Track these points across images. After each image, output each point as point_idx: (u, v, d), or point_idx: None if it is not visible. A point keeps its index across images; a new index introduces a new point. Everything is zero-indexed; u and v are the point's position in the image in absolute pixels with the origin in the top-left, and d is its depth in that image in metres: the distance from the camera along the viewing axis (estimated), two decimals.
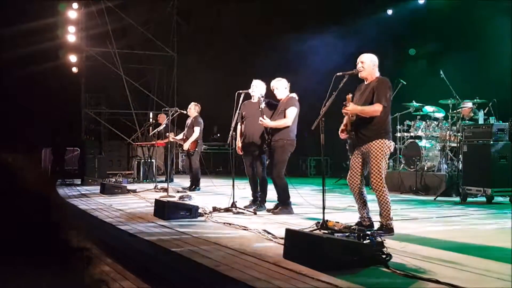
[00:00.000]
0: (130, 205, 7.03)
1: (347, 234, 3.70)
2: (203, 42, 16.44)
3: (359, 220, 4.79)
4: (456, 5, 11.13)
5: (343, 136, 4.79)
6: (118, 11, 15.08)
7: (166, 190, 8.34)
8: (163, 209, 5.53)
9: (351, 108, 4.50)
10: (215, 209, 5.97)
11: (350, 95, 4.43)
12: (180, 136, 9.74)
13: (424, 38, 12.11)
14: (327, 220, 4.27)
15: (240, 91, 6.32)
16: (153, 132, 11.18)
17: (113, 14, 14.98)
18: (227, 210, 6.01)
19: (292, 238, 3.53)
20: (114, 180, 10.69)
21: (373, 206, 4.74)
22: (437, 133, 9.08)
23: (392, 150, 4.68)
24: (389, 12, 13.11)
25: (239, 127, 6.53)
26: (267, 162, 6.36)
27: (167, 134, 9.54)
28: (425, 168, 8.96)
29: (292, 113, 5.91)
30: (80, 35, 15.34)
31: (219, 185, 10.45)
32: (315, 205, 6.30)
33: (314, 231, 4.15)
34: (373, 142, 4.53)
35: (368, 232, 3.71)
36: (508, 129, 7.34)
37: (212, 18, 15.96)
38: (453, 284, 2.74)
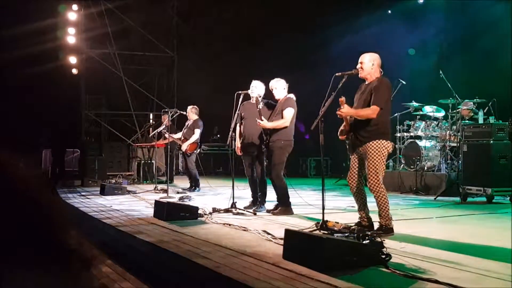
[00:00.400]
0: (130, 206, 7.03)
1: (346, 234, 3.70)
2: (203, 43, 16.45)
3: (359, 220, 4.79)
4: (455, 4, 11.13)
5: (342, 138, 4.80)
6: (118, 12, 15.09)
7: (166, 191, 8.34)
8: (163, 210, 5.53)
9: (345, 111, 4.50)
10: (215, 210, 5.97)
11: (343, 98, 4.42)
12: (178, 135, 9.74)
13: (423, 38, 12.11)
14: (326, 221, 4.27)
15: (240, 92, 6.33)
16: (152, 133, 11.18)
17: (113, 15, 14.98)
18: (227, 211, 6.01)
19: (292, 238, 3.53)
20: (114, 181, 10.69)
21: (373, 207, 4.74)
22: (437, 133, 9.08)
23: (390, 150, 4.67)
24: (389, 11, 13.10)
25: (238, 127, 6.54)
26: (266, 163, 6.36)
27: (163, 131, 9.57)
28: (425, 168, 8.96)
29: (289, 113, 5.93)
30: (80, 36, 15.34)
31: (219, 186, 10.45)
32: (314, 206, 6.31)
33: (314, 232, 4.15)
34: (370, 143, 4.53)
35: (368, 233, 3.71)
36: (508, 128, 7.33)
37: (211, 19, 15.96)
38: (452, 284, 2.74)
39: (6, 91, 14.68)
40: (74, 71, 16.26)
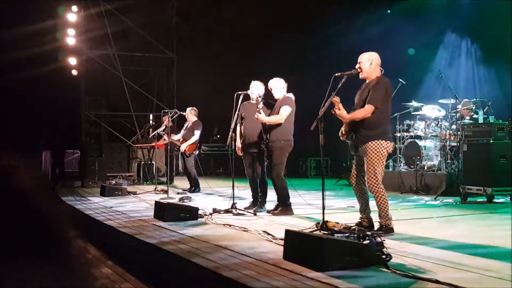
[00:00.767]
0: (130, 207, 7.04)
1: (347, 234, 3.69)
2: (203, 43, 16.45)
3: (359, 220, 4.79)
4: (455, 3, 11.14)
5: (343, 138, 4.80)
6: (118, 13, 15.09)
7: (166, 192, 8.34)
8: (163, 211, 5.53)
9: (340, 113, 4.50)
10: (215, 211, 5.97)
11: (335, 98, 4.41)
12: (178, 137, 9.74)
13: (423, 37, 12.11)
14: (327, 221, 4.26)
15: (239, 92, 6.34)
16: (152, 134, 11.18)
17: (112, 16, 14.98)
18: (227, 211, 6.01)
19: (292, 239, 3.53)
20: (114, 182, 10.70)
21: (374, 206, 4.73)
22: (437, 133, 9.08)
23: (390, 150, 4.66)
24: (388, 11, 13.11)
25: (238, 128, 6.54)
26: (266, 163, 6.36)
27: (162, 133, 9.57)
28: (425, 168, 8.96)
29: (285, 111, 5.94)
30: (79, 37, 15.34)
31: (219, 187, 10.45)
32: (315, 206, 6.30)
33: (314, 232, 4.15)
34: (369, 143, 4.52)
35: (368, 233, 3.70)
36: (508, 128, 7.33)
37: (211, 19, 15.97)
38: (453, 284, 2.74)
39: (6, 92, 14.68)
40: (74, 72, 16.26)
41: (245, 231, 4.71)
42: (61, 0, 15.44)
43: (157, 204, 5.92)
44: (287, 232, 3.62)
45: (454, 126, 8.74)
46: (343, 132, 4.77)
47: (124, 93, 15.12)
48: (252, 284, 2.86)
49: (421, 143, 9.13)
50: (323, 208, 4.33)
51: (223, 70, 15.55)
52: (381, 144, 4.51)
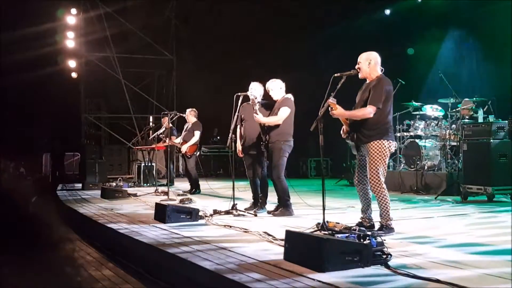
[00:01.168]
0: (130, 209, 7.04)
1: (347, 235, 3.69)
2: (202, 45, 16.47)
3: (360, 220, 4.79)
4: (454, 3, 11.14)
5: (344, 136, 4.80)
6: (117, 16, 15.11)
7: (166, 193, 8.35)
8: (164, 213, 5.53)
9: (337, 112, 4.50)
10: (215, 212, 5.97)
11: (331, 100, 4.41)
12: (178, 140, 9.75)
13: (422, 37, 12.12)
14: (327, 221, 4.26)
15: (239, 94, 6.34)
16: (152, 135, 11.19)
17: (111, 19, 15.01)
18: (227, 212, 6.01)
19: (293, 239, 3.53)
20: (114, 184, 10.70)
21: (375, 206, 4.73)
22: (436, 132, 9.08)
23: (392, 150, 4.66)
24: (387, 11, 13.14)
25: (238, 129, 6.54)
26: (267, 164, 6.36)
27: (161, 135, 9.56)
28: (426, 168, 8.97)
29: (284, 112, 5.93)
30: (79, 40, 15.37)
31: (220, 188, 10.45)
32: (315, 206, 6.31)
33: (315, 232, 4.15)
34: (372, 143, 4.52)
35: (368, 233, 3.70)
36: (508, 127, 7.33)
37: (210, 21, 15.98)
38: (454, 283, 2.74)
39: (6, 95, 14.69)
40: (74, 74, 16.28)
41: (245, 232, 4.71)
42: (61, 3, 15.46)
43: (158, 206, 5.92)
44: (288, 232, 3.62)
45: (454, 126, 8.75)
46: (345, 131, 4.77)
47: (124, 95, 15.13)
48: (252, 285, 2.86)
49: (421, 142, 9.13)
50: (324, 209, 4.33)
51: (223, 71, 15.56)
52: (383, 144, 4.51)
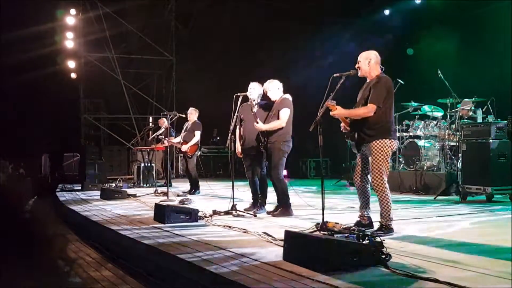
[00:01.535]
0: (130, 209, 7.04)
1: (346, 235, 3.70)
2: (202, 45, 16.48)
3: (359, 219, 4.79)
4: (453, 3, 11.15)
5: (344, 130, 4.79)
6: (116, 16, 15.11)
7: (166, 194, 8.34)
8: (163, 213, 5.53)
9: (338, 112, 4.51)
10: (215, 212, 5.97)
11: (329, 102, 4.42)
12: (178, 139, 9.74)
13: (421, 37, 12.14)
14: (326, 221, 4.27)
15: (238, 94, 6.34)
16: (152, 136, 11.19)
17: (111, 19, 15.01)
18: (227, 213, 6.01)
19: (292, 239, 3.54)
20: (114, 185, 10.70)
21: (374, 206, 4.74)
22: (436, 132, 9.08)
23: (395, 149, 4.66)
24: (386, 12, 13.15)
25: (238, 130, 6.54)
26: (266, 164, 6.36)
27: (162, 136, 9.56)
28: (425, 168, 8.97)
29: (286, 114, 5.92)
30: (78, 41, 15.37)
31: (219, 188, 10.46)
32: (314, 207, 6.31)
33: (314, 233, 4.16)
34: (374, 142, 4.52)
35: (368, 233, 3.71)
36: (507, 127, 7.34)
37: (210, 21, 16.00)
38: (453, 283, 2.74)
39: (5, 95, 14.68)
40: (73, 75, 16.28)
41: (245, 232, 4.71)
42: (60, 4, 15.46)
43: (157, 207, 5.92)
44: (287, 233, 3.62)
45: (453, 126, 8.75)
46: (344, 127, 4.76)
47: (123, 95, 15.14)
48: (252, 285, 2.86)
49: (420, 143, 9.14)
50: (323, 209, 4.34)
51: (222, 72, 15.57)
52: (385, 143, 4.51)
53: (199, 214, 5.69)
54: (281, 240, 3.85)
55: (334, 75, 4.57)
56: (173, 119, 9.91)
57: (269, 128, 5.94)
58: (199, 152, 9.80)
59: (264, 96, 6.36)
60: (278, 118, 5.93)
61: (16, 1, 14.91)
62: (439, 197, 7.76)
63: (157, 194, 9.05)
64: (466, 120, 8.40)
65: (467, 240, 4.18)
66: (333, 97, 4.48)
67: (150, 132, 11.82)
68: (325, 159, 14.13)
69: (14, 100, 15.06)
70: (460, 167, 7.93)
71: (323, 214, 4.31)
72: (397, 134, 9.67)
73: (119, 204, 7.80)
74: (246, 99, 6.40)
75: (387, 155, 4.52)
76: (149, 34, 15.85)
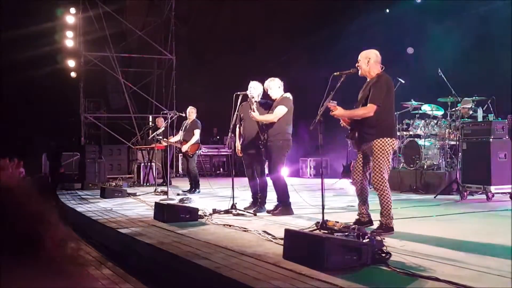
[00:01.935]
0: (130, 208, 7.04)
1: (346, 233, 3.70)
2: (201, 44, 16.48)
3: (358, 216, 4.79)
4: (453, 2, 11.14)
5: (344, 124, 4.79)
6: (116, 15, 15.11)
7: (166, 193, 8.34)
8: (163, 212, 5.53)
9: (338, 113, 4.50)
10: (215, 211, 5.97)
11: (329, 103, 4.42)
12: (177, 138, 9.74)
13: (422, 37, 12.12)
14: (326, 220, 4.27)
15: (238, 93, 6.33)
16: (152, 135, 11.19)
17: (111, 18, 15.01)
18: (227, 212, 6.01)
19: (292, 238, 3.54)
20: (114, 184, 10.69)
21: (375, 205, 4.74)
22: (436, 131, 9.08)
23: (395, 147, 4.66)
24: (387, 10, 13.14)
25: (237, 128, 6.54)
26: (266, 163, 6.37)
27: (160, 137, 9.57)
28: (425, 167, 8.97)
29: (279, 111, 5.91)
30: (78, 40, 15.37)
31: (219, 187, 10.45)
32: (314, 205, 6.31)
33: (314, 231, 4.15)
34: (374, 141, 4.51)
35: (368, 232, 3.71)
36: (507, 126, 7.34)
37: (209, 20, 16.00)
38: (453, 281, 2.74)
39: (5, 95, 14.68)
40: (73, 74, 16.28)
41: (245, 231, 4.71)
42: (60, 3, 15.46)
43: (157, 205, 5.92)
44: (287, 231, 3.62)
45: (453, 125, 8.75)
46: (345, 126, 4.77)
47: (123, 94, 15.13)
48: (252, 284, 2.86)
49: (420, 142, 9.14)
50: (323, 208, 4.34)
51: (222, 71, 15.56)
52: (386, 142, 4.51)
53: (199, 213, 5.69)
54: (281, 238, 3.85)
55: (335, 73, 4.56)
56: (173, 118, 9.91)
57: (262, 119, 5.96)
58: (200, 151, 9.79)
59: (265, 95, 6.35)
60: None
61: (16, 0, 14.92)
62: (439, 196, 7.75)
63: (157, 193, 9.05)
64: (466, 119, 8.39)
65: (467, 239, 4.19)
66: (333, 95, 4.48)
67: (150, 131, 11.82)
68: (325, 158, 14.12)
69: (14, 99, 15.06)
70: (460, 166, 7.93)
71: (323, 213, 4.31)
72: (398, 133, 9.67)
73: (119, 203, 7.79)
74: (246, 98, 6.40)
75: (388, 154, 4.52)
76: (148, 33, 15.84)
